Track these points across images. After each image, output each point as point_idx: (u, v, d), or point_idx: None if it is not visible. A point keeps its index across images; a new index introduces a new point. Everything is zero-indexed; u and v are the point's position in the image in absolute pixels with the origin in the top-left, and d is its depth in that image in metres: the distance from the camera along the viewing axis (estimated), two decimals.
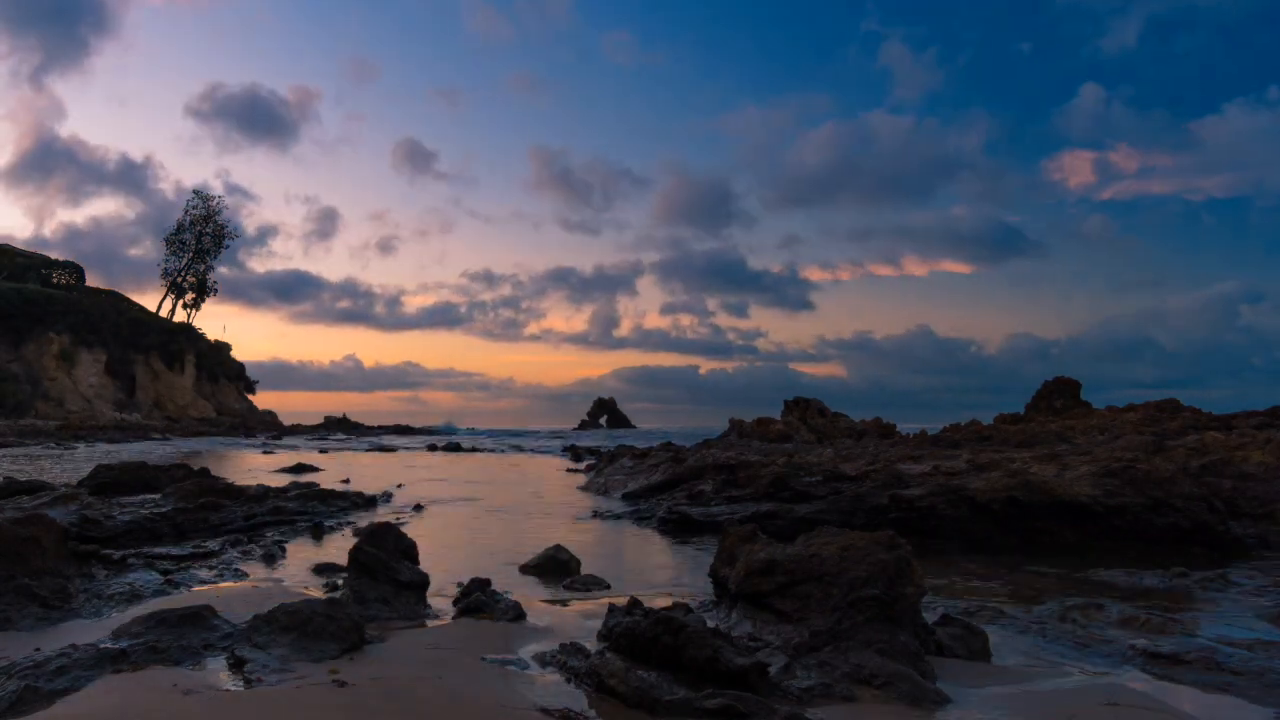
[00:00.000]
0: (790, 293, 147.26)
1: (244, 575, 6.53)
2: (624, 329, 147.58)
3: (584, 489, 15.80)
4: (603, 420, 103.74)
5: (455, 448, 35.87)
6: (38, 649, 3.93)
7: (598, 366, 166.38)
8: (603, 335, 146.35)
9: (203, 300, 78.90)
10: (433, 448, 36.23)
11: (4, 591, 4.82)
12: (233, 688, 3.41)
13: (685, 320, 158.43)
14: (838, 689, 3.63)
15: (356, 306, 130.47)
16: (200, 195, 78.96)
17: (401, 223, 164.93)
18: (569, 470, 22.63)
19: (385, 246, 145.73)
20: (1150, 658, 4.38)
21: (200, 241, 78.24)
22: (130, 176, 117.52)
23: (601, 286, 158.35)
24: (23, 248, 73.09)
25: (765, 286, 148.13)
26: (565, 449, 35.56)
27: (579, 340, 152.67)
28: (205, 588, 5.92)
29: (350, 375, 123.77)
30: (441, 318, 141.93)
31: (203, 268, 78.72)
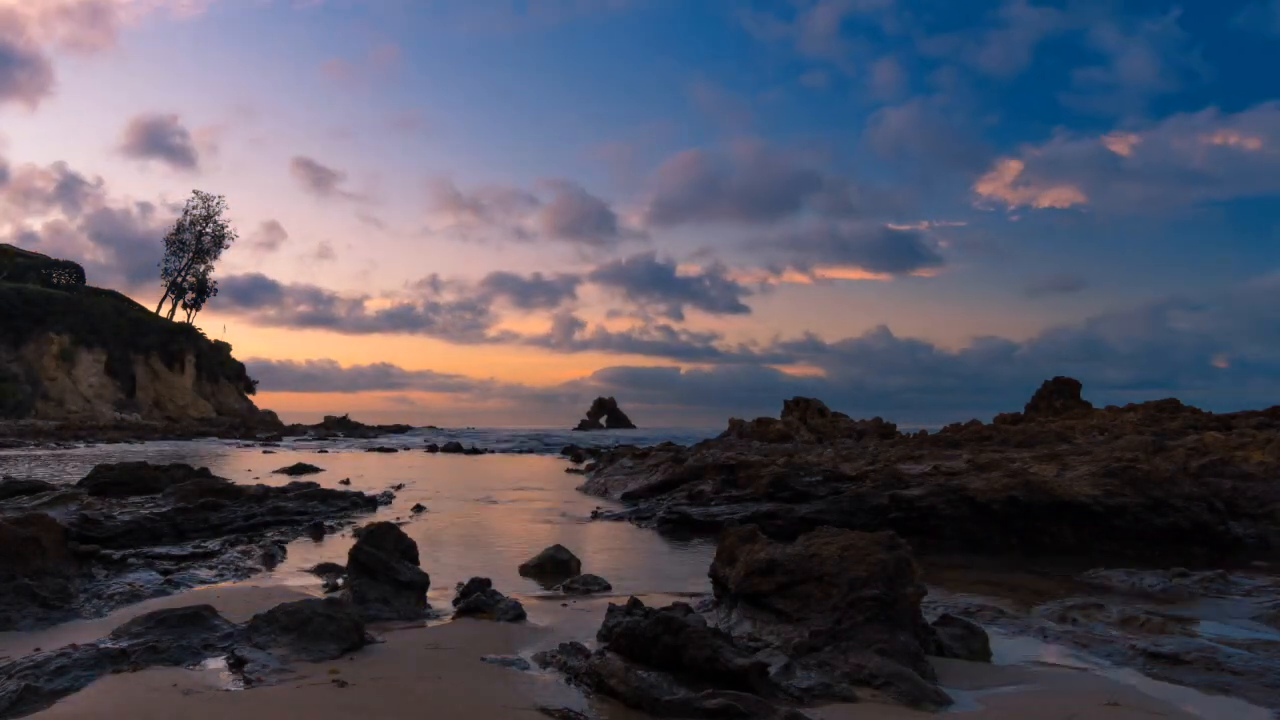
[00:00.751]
0: (719, 297, 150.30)
1: (244, 575, 6.52)
2: (586, 332, 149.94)
3: (584, 489, 15.80)
4: (603, 420, 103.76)
5: (455, 448, 35.86)
6: (38, 649, 3.93)
7: (573, 368, 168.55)
8: (565, 338, 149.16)
9: (203, 300, 78.96)
10: (433, 448, 36.22)
11: (4, 591, 4.82)
12: (233, 688, 3.41)
13: (636, 323, 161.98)
14: (838, 689, 3.63)
15: (318, 310, 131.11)
16: (200, 195, 79.01)
17: (332, 235, 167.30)
18: (569, 470, 22.62)
19: (324, 254, 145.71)
20: (1150, 658, 4.37)
21: (200, 241, 78.28)
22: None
23: (544, 292, 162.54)
24: (23, 248, 73.07)
25: (695, 292, 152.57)
26: (565, 449, 35.56)
27: (543, 343, 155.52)
28: (205, 588, 5.92)
29: (331, 376, 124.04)
30: (403, 321, 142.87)
31: (203, 268, 78.77)
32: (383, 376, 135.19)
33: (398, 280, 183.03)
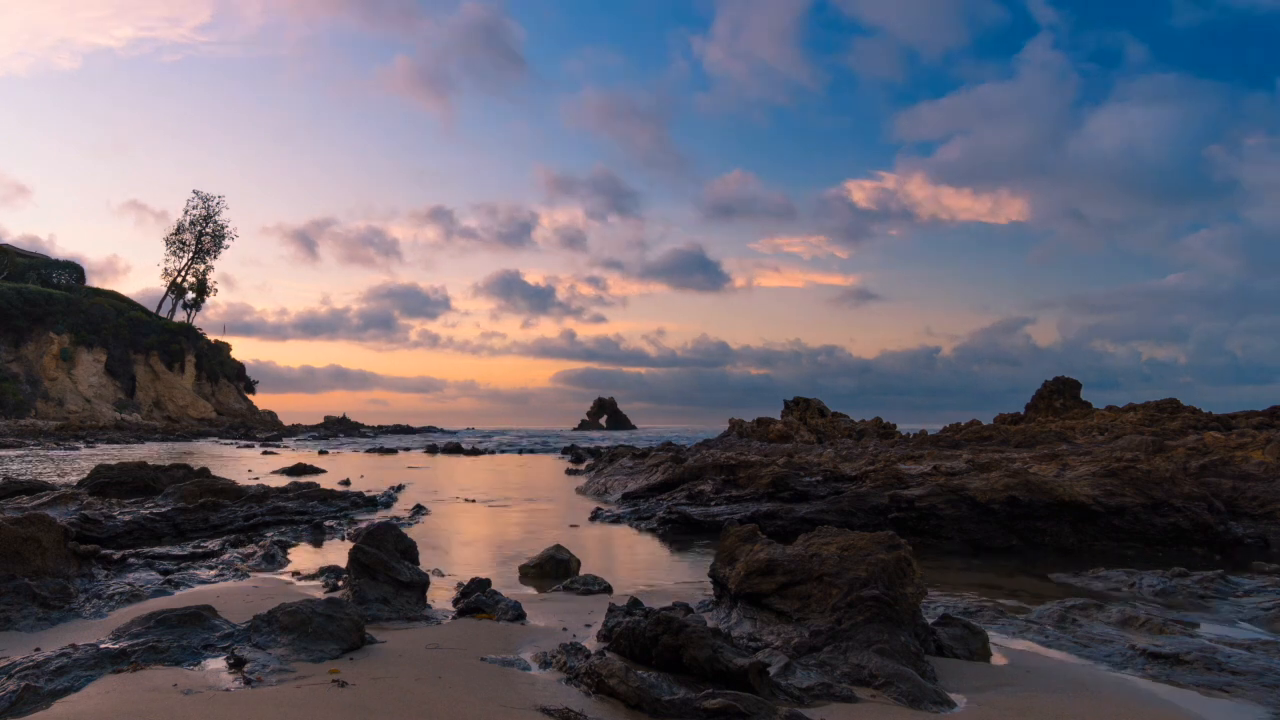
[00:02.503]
0: (590, 308, 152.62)
1: (244, 575, 6.52)
2: (541, 336, 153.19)
3: (584, 489, 15.80)
4: (602, 420, 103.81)
5: (455, 449, 35.85)
6: (38, 649, 3.94)
7: (543, 370, 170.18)
8: (520, 341, 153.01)
9: (203, 300, 79.00)
10: (433, 448, 36.22)
11: (4, 591, 4.82)
12: (233, 688, 3.41)
13: (565, 329, 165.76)
14: (838, 689, 3.63)
15: (284, 317, 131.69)
16: (200, 195, 79.04)
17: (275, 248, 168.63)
18: (569, 471, 22.62)
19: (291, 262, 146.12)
20: (1150, 658, 4.38)
21: (200, 241, 78.31)
22: None
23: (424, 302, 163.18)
24: (23, 248, 73.08)
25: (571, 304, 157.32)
26: (565, 449, 35.56)
27: (510, 347, 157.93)
28: (205, 588, 5.92)
29: (310, 378, 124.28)
30: (367, 326, 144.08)
31: (203, 268, 78.81)
32: (363, 380, 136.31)
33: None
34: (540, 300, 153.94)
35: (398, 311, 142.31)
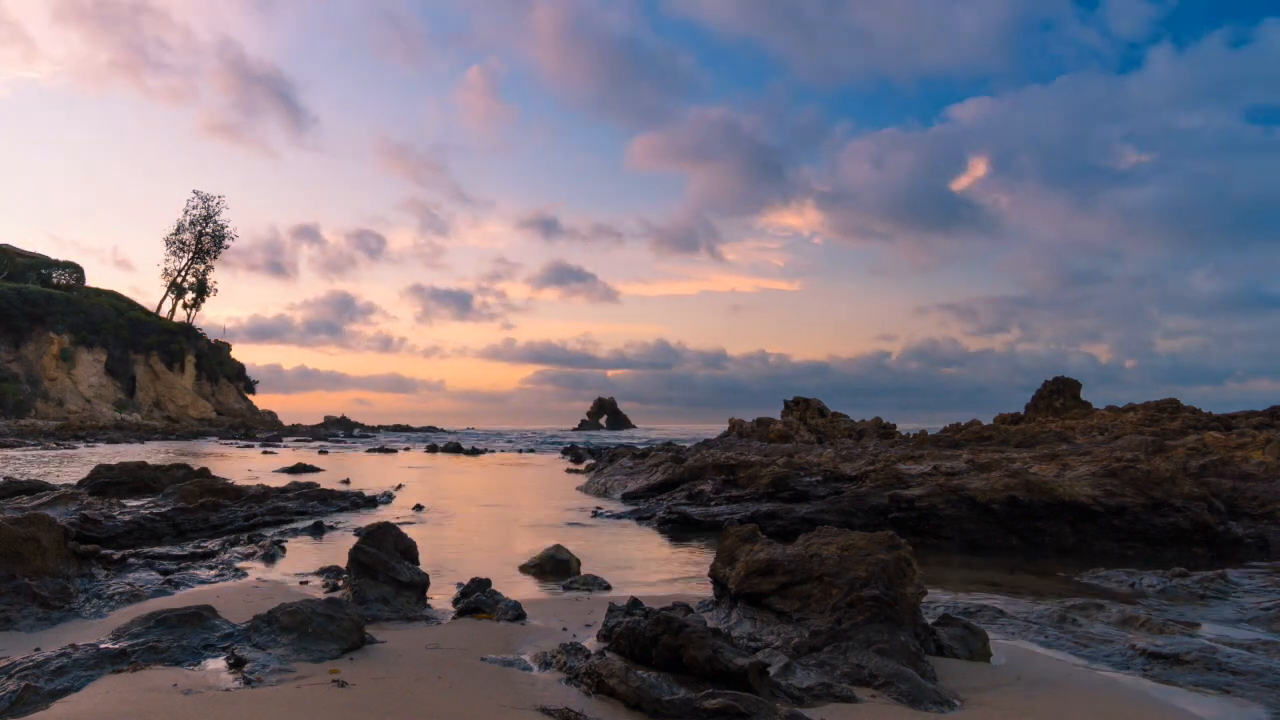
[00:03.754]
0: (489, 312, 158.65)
1: (244, 575, 6.52)
2: (488, 340, 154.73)
3: (584, 489, 15.80)
4: (602, 420, 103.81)
5: (455, 448, 35.85)
6: (38, 649, 3.93)
7: (507, 372, 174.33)
8: (469, 345, 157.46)
9: (203, 300, 78.95)
10: (433, 448, 36.22)
11: (4, 591, 4.82)
12: (233, 688, 3.41)
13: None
14: (838, 689, 3.63)
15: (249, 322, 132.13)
16: (200, 195, 79.03)
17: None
18: (569, 471, 22.62)
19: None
20: (1150, 658, 4.38)
21: (200, 241, 78.29)
22: None
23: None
24: (23, 248, 73.08)
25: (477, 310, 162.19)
26: (565, 449, 35.57)
27: (463, 350, 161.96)
28: (205, 588, 5.92)
29: (279, 378, 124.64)
30: (314, 331, 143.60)
31: (203, 268, 78.76)
32: (334, 382, 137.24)
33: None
34: (460, 306, 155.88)
35: (333, 317, 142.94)
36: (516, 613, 5.08)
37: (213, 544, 7.84)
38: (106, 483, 11.52)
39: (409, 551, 5.63)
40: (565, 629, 4.78)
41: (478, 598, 5.21)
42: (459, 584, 6.08)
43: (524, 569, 7.03)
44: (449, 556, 7.82)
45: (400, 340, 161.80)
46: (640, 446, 28.12)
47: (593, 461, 24.08)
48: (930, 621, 4.51)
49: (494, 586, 5.56)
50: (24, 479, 11.86)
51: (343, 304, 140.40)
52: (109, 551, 6.59)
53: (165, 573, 6.38)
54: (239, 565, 6.94)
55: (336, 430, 67.30)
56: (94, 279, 75.96)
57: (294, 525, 9.44)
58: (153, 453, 29.47)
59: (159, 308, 76.48)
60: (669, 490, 12.50)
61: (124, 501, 10.18)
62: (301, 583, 6.23)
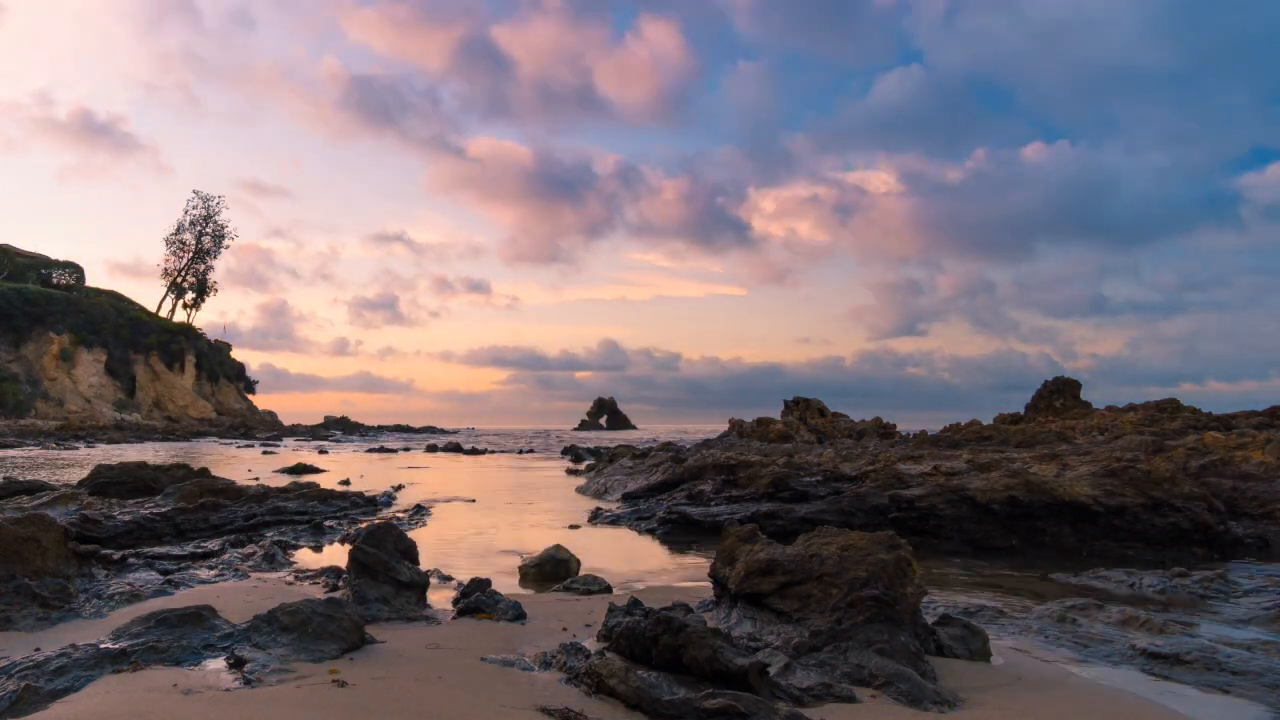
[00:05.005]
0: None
1: (244, 575, 6.52)
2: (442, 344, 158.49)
3: (584, 489, 15.80)
4: (602, 420, 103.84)
5: (455, 448, 35.86)
6: (38, 649, 3.94)
7: (466, 373, 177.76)
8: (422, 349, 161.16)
9: (203, 300, 78.99)
10: (433, 448, 36.23)
11: (4, 591, 4.82)
12: (233, 688, 3.41)
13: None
14: (838, 689, 3.63)
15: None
16: (200, 195, 79.05)
17: None
18: (569, 471, 22.62)
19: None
20: (1150, 658, 4.38)
21: (200, 241, 78.31)
22: None
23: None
24: (23, 248, 73.06)
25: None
26: (565, 449, 35.57)
27: (417, 353, 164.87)
28: (205, 588, 5.92)
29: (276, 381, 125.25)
30: (264, 335, 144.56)
31: (203, 268, 78.79)
32: (310, 383, 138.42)
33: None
34: (389, 311, 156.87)
35: (274, 321, 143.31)
36: (516, 613, 5.08)
37: (213, 544, 7.84)
38: (106, 483, 11.51)
39: (409, 551, 5.63)
40: (565, 629, 4.78)
41: (478, 598, 5.21)
42: (459, 584, 6.09)
43: (524, 569, 7.03)
44: (449, 557, 7.82)
45: (357, 343, 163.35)
46: (640, 447, 28.11)
47: (592, 461, 24.08)
48: (930, 621, 4.51)
49: (494, 586, 5.55)
50: (24, 479, 11.85)
51: (279, 310, 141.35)
52: (109, 551, 6.59)
53: (165, 573, 6.38)
54: (239, 565, 6.94)
55: (336, 430, 67.33)
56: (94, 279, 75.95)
57: (294, 525, 9.44)
58: (153, 453, 29.47)
59: (159, 308, 76.51)
60: (669, 490, 12.50)
61: (124, 501, 10.19)
62: (302, 582, 6.23)
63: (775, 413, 31.25)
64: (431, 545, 8.28)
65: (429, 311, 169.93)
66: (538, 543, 8.40)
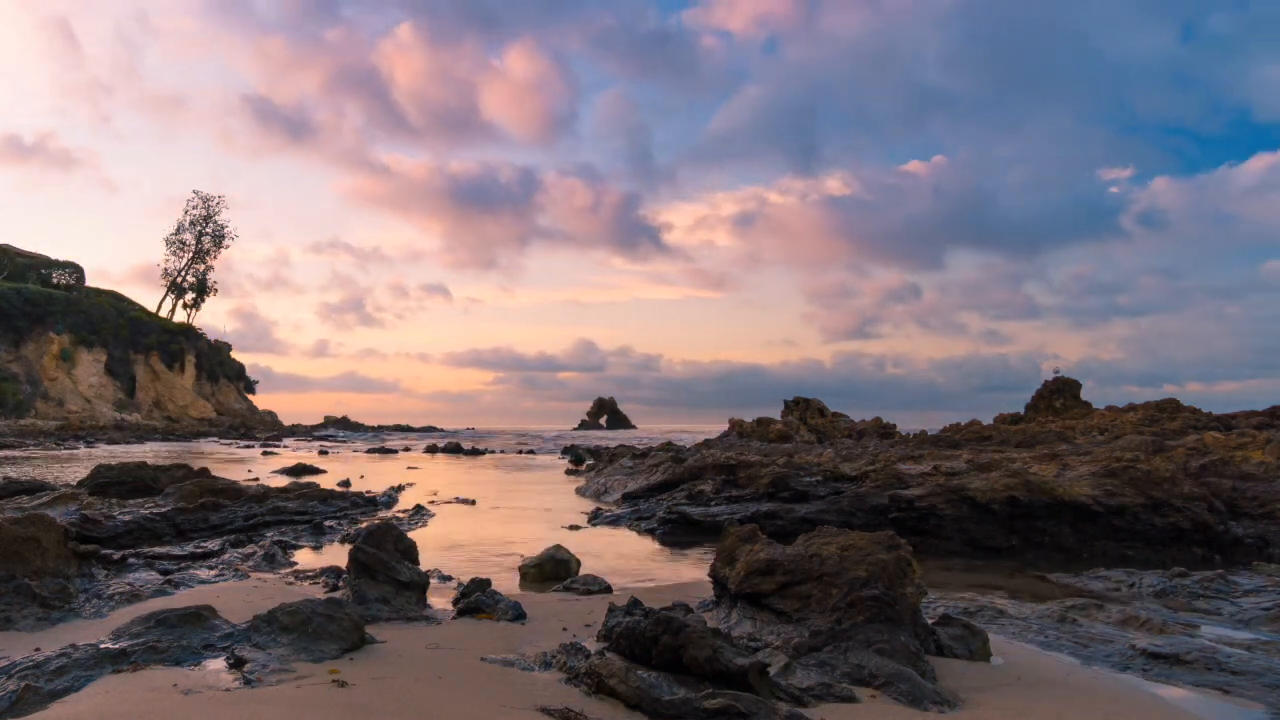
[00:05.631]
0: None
1: (244, 575, 6.52)
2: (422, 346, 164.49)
3: (584, 489, 15.80)
4: (603, 420, 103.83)
5: (456, 448, 35.85)
6: (38, 649, 3.93)
7: (446, 374, 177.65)
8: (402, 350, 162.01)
9: (203, 300, 78.98)
10: (433, 448, 36.22)
11: (4, 591, 4.82)
12: (233, 688, 3.41)
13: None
14: (838, 689, 3.63)
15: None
16: (200, 195, 79.05)
17: None
18: (569, 471, 22.62)
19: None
20: (1150, 658, 4.38)
21: (200, 241, 78.31)
22: None
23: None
24: (23, 248, 73.07)
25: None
26: (565, 449, 35.57)
27: (398, 354, 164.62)
28: (205, 588, 5.92)
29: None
30: (240, 336, 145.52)
31: (203, 268, 78.78)
32: (297, 384, 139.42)
33: None
34: (357, 314, 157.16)
35: (248, 324, 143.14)
36: (516, 613, 5.08)
37: (213, 544, 7.84)
38: (106, 483, 11.52)
39: (409, 552, 5.63)
40: (565, 629, 4.78)
41: (478, 598, 5.21)
42: (459, 584, 6.09)
43: (524, 569, 7.03)
44: (449, 557, 7.82)
45: (338, 345, 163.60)
46: (640, 447, 28.12)
47: (593, 462, 24.09)
48: (930, 621, 4.51)
49: (494, 586, 5.55)
50: (24, 479, 11.85)
51: (250, 313, 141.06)
52: (109, 551, 6.59)
53: (165, 573, 6.38)
54: (239, 565, 6.94)
55: (337, 430, 67.32)
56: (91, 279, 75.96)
57: (294, 525, 9.44)
58: (153, 453, 29.47)
59: (159, 308, 76.52)
60: (669, 490, 12.50)
61: (124, 501, 10.19)
62: (302, 582, 6.23)
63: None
64: (432, 545, 8.28)
65: (394, 314, 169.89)
66: (538, 543, 8.41)
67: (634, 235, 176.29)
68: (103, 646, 3.81)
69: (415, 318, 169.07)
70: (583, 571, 6.92)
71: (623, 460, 18.01)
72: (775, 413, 32.10)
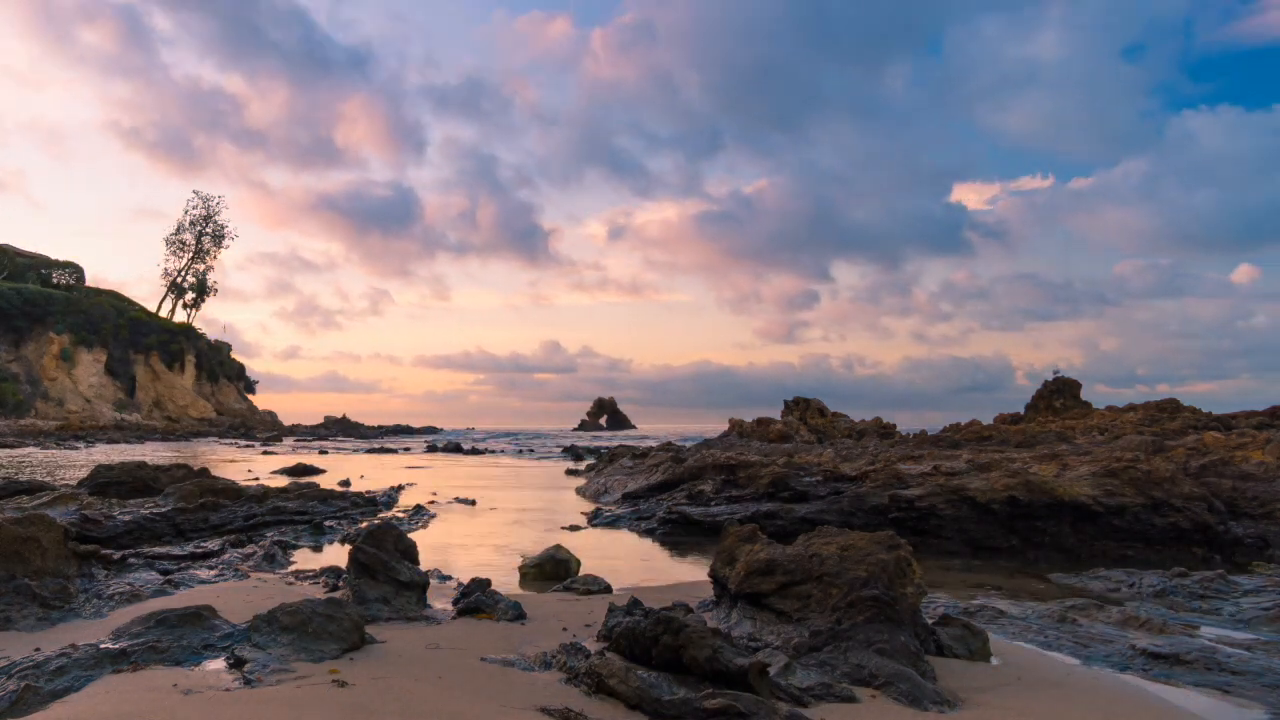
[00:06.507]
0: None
1: (244, 575, 6.52)
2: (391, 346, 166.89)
3: (584, 489, 15.80)
4: (602, 420, 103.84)
5: (455, 449, 35.87)
6: (38, 649, 3.94)
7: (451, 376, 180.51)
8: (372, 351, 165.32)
9: (203, 300, 79.00)
10: (433, 449, 36.23)
11: (4, 591, 4.82)
12: (233, 687, 3.41)
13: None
14: (838, 689, 3.63)
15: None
16: (200, 195, 79.07)
17: None
18: (569, 471, 22.62)
19: None
20: (1150, 658, 4.38)
21: (200, 241, 78.32)
22: None
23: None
24: (23, 248, 73.06)
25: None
26: (565, 449, 35.58)
27: (372, 355, 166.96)
28: (205, 588, 5.92)
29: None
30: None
31: (203, 268, 78.81)
32: (282, 384, 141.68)
33: None
34: (315, 317, 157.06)
35: (211, 328, 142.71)
36: (516, 613, 5.08)
37: (213, 544, 7.84)
38: (106, 483, 11.51)
39: (409, 552, 5.63)
40: (565, 629, 4.78)
41: (478, 598, 5.21)
42: (459, 584, 6.09)
43: (524, 569, 7.03)
44: (449, 557, 7.82)
45: (311, 348, 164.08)
46: (639, 447, 28.12)
47: (592, 462, 24.09)
48: (930, 621, 4.51)
49: (494, 586, 5.55)
50: (24, 479, 11.85)
51: (210, 319, 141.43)
52: (109, 551, 6.59)
53: (165, 573, 6.38)
54: (239, 565, 6.94)
55: (337, 430, 67.30)
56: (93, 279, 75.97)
57: (294, 525, 9.44)
58: (153, 453, 29.47)
59: (159, 308, 76.53)
60: (669, 490, 12.50)
61: (124, 501, 10.18)
62: (302, 582, 6.23)
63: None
64: (432, 545, 8.29)
65: (351, 318, 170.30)
66: (538, 543, 8.41)
67: (531, 243, 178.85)
68: (103, 646, 3.81)
69: (373, 323, 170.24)
70: (583, 571, 6.93)
71: (623, 460, 18.00)
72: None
